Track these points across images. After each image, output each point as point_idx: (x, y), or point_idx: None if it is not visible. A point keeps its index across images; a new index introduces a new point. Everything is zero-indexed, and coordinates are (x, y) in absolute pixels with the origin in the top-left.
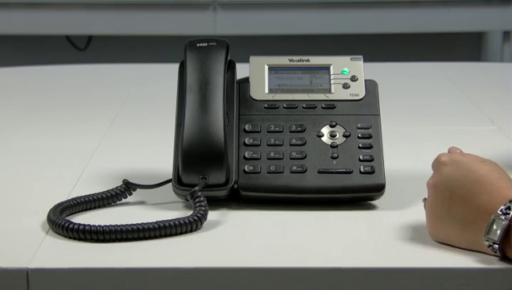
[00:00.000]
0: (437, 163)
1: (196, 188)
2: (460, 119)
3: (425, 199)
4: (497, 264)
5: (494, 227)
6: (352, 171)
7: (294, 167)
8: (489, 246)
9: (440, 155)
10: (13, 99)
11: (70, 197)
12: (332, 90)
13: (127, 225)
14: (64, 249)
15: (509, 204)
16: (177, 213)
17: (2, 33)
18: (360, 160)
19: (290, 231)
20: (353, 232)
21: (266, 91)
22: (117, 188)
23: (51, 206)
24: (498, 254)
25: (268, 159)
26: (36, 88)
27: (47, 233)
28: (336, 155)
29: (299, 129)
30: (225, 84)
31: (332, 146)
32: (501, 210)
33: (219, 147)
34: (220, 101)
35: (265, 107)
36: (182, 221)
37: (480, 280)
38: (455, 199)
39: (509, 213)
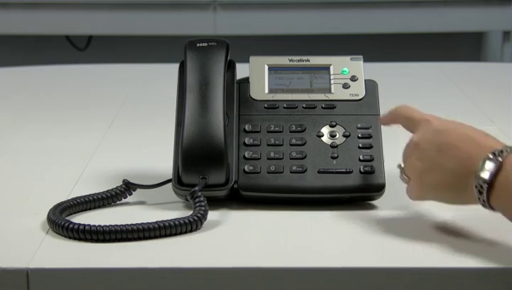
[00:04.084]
0: (417, 123)
1: (196, 188)
2: (460, 119)
3: (400, 165)
4: (497, 264)
5: (485, 167)
6: (352, 171)
7: (294, 167)
8: (477, 186)
9: (415, 114)
10: (13, 99)
11: (70, 197)
12: (332, 90)
13: (127, 225)
14: (63, 249)
15: (501, 148)
16: (177, 213)
17: (2, 33)
18: (360, 160)
19: (290, 231)
20: (353, 232)
21: (266, 91)
22: (117, 188)
23: (51, 206)
24: (484, 197)
25: (268, 159)
26: (36, 88)
27: (47, 233)
28: (336, 155)
29: (299, 129)
30: (225, 84)
31: (332, 146)
32: (493, 153)
33: (219, 147)
34: (220, 101)
35: (265, 107)
36: (182, 221)
37: (480, 280)
38: (443, 147)
39: (500, 156)
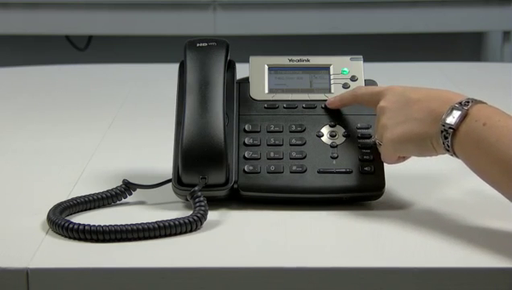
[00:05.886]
0: (381, 93)
1: (196, 188)
2: None
3: (375, 140)
4: (497, 264)
5: (452, 114)
6: (351, 171)
7: (294, 167)
8: (443, 131)
9: (376, 88)
10: (13, 99)
11: (70, 197)
12: (332, 90)
13: (127, 225)
14: (63, 249)
15: (468, 99)
16: (177, 213)
17: (2, 33)
18: (360, 160)
19: (290, 231)
20: (353, 232)
21: (266, 91)
22: (117, 188)
23: (51, 206)
24: (449, 142)
25: (268, 159)
26: (36, 88)
27: (46, 233)
28: (335, 155)
29: (299, 129)
30: (225, 84)
31: (332, 146)
32: (459, 102)
33: (219, 147)
34: (220, 101)
35: (265, 107)
36: (182, 221)
37: (480, 280)
38: (410, 103)
39: (466, 105)
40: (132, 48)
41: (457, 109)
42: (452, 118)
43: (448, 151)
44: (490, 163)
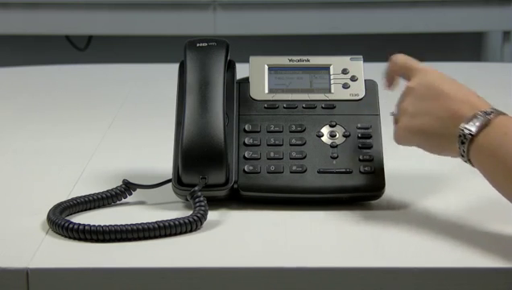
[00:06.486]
0: (415, 71)
1: (196, 188)
2: None
3: (393, 112)
4: (497, 264)
5: (474, 120)
6: (351, 171)
7: (294, 167)
8: (461, 136)
9: (413, 63)
10: (13, 99)
11: (70, 197)
12: (332, 90)
13: (127, 225)
14: (63, 249)
15: (493, 109)
16: (177, 213)
17: (2, 33)
18: (360, 160)
19: (290, 231)
20: (352, 232)
21: (266, 91)
22: (117, 188)
23: (51, 206)
24: (465, 148)
25: (268, 159)
26: (36, 88)
27: (46, 233)
28: (335, 154)
29: (299, 129)
30: (225, 84)
31: (332, 146)
32: (484, 111)
33: (219, 147)
34: (220, 101)
35: (265, 107)
36: (182, 221)
37: (480, 280)
38: (437, 96)
39: (490, 115)
40: (132, 48)
41: (480, 116)
42: (473, 125)
43: (462, 156)
44: (506, 172)
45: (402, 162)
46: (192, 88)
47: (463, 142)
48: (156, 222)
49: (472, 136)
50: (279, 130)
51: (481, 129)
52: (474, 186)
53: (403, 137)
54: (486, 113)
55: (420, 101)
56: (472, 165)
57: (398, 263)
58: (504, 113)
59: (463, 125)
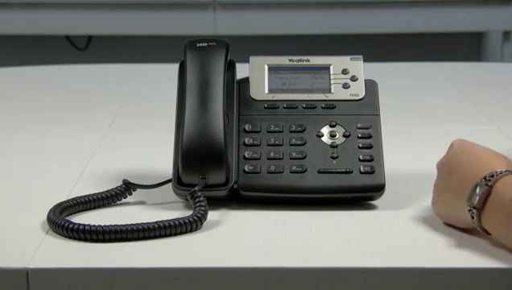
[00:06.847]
0: (450, 147)
1: (196, 188)
2: (460, 119)
3: None
4: (497, 264)
5: (476, 192)
6: (352, 171)
7: (294, 167)
8: (470, 210)
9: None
10: (13, 99)
11: (70, 197)
12: (332, 90)
13: (127, 225)
14: (63, 249)
15: (493, 172)
16: (177, 213)
17: (2, 33)
18: (360, 160)
19: (290, 231)
20: (353, 232)
21: (266, 91)
22: (117, 188)
23: (51, 206)
24: (476, 221)
25: (268, 159)
26: (36, 88)
27: (46, 233)
28: (335, 154)
29: (299, 129)
30: (225, 84)
31: (332, 146)
32: (484, 177)
33: (219, 147)
34: (220, 101)
35: (265, 107)
36: (182, 221)
37: (480, 280)
38: (452, 170)
39: (490, 180)
40: (132, 48)
41: (481, 186)
42: (476, 197)
43: (478, 228)
44: None
45: (402, 162)
46: (192, 88)
47: (472, 217)
48: (156, 222)
49: (478, 209)
50: (279, 130)
51: (484, 199)
52: None
53: (436, 212)
54: (486, 179)
55: (439, 178)
56: (489, 234)
57: (398, 263)
58: (507, 173)
59: (467, 199)
